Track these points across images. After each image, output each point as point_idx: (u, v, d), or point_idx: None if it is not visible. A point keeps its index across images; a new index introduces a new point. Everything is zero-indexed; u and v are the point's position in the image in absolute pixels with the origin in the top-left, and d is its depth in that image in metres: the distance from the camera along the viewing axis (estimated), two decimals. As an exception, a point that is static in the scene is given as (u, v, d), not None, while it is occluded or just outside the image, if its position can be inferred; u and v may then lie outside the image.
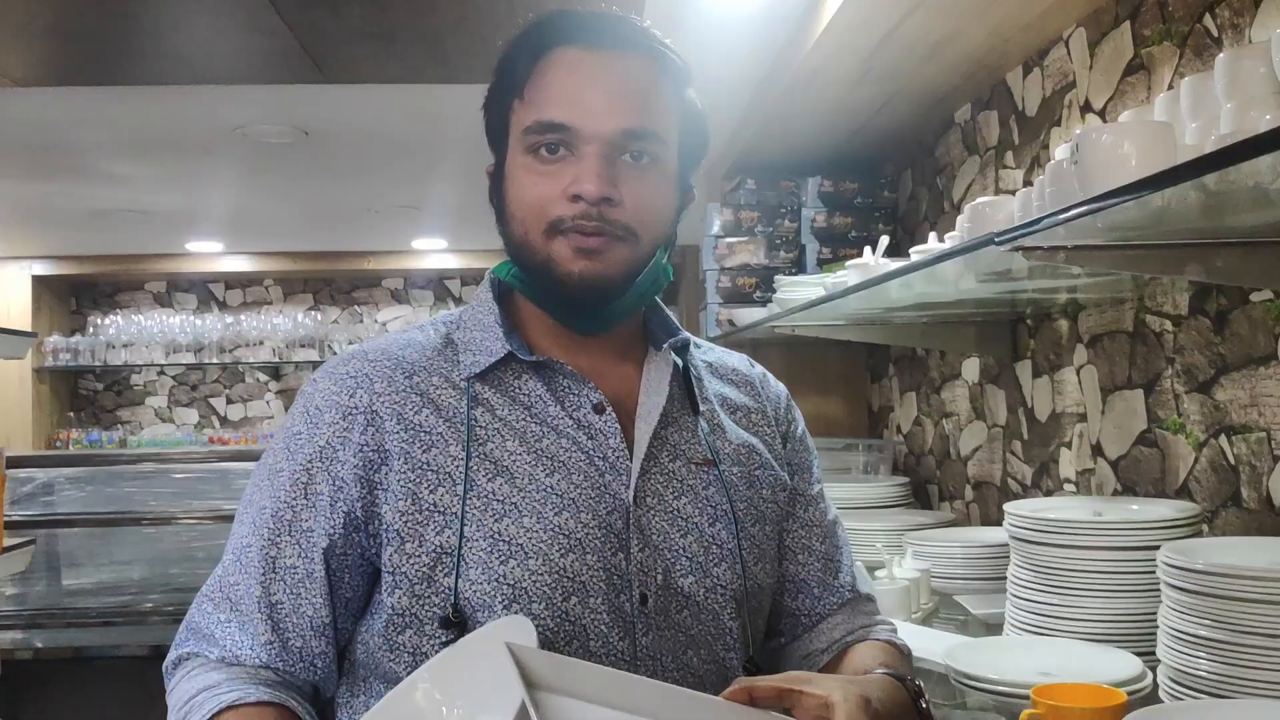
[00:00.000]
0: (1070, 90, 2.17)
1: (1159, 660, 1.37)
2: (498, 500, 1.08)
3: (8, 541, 2.68)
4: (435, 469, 1.09)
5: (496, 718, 0.93)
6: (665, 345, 1.19)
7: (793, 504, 1.27)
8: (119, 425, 6.39)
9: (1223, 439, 1.70)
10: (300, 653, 1.10)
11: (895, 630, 1.29)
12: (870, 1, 2.05)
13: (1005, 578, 1.73)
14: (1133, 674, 1.39)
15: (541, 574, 1.06)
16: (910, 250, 1.84)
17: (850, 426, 3.54)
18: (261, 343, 6.21)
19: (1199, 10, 1.71)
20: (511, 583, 1.06)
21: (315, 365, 6.38)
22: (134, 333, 6.18)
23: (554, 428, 1.12)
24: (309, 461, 1.10)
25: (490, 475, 1.09)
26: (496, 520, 1.08)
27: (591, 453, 1.12)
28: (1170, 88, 1.77)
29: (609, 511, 1.10)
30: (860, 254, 2.27)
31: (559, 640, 1.06)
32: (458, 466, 1.09)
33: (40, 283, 6.07)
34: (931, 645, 1.63)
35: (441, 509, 1.08)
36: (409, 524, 1.07)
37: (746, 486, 1.20)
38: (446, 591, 1.06)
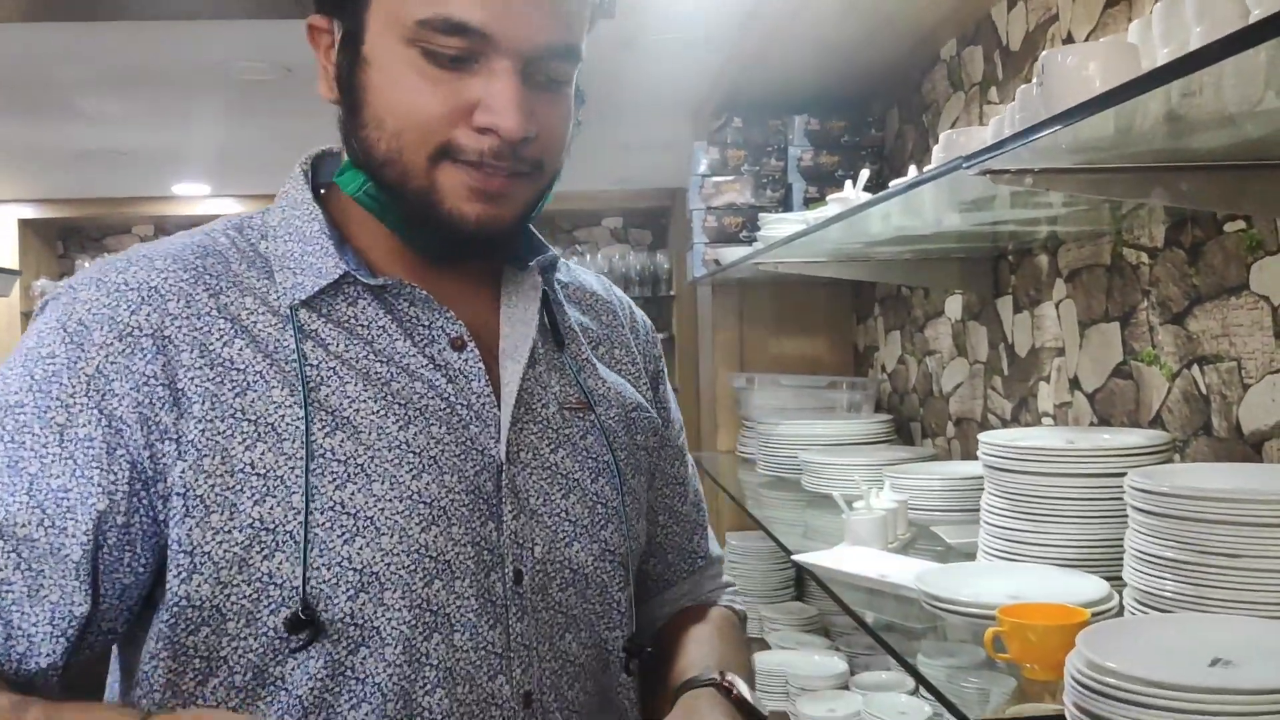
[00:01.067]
0: (1053, 24, 2.16)
1: (1125, 584, 1.40)
2: (338, 461, 0.87)
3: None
4: (253, 418, 0.86)
5: None
6: (531, 264, 1.01)
7: (660, 456, 1.13)
8: (109, 369, 6.41)
9: (1195, 369, 1.72)
10: (32, 657, 0.83)
11: (735, 590, 1.26)
12: (853, -68, 2.03)
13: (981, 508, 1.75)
14: (1100, 595, 1.42)
15: (398, 554, 0.87)
16: (890, 183, 1.85)
17: (836, 366, 3.56)
18: (251, 286, 6.21)
19: (1180, -61, 1.70)
20: (359, 567, 0.85)
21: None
22: (122, 276, 6.18)
23: (404, 368, 0.92)
24: (67, 394, 0.85)
25: (328, 429, 0.87)
26: (338, 487, 0.86)
27: (452, 399, 0.92)
28: (1150, 18, 1.76)
29: (477, 472, 0.92)
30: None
31: (418, 635, 0.87)
32: (284, 417, 0.86)
33: (26, 226, 6.04)
34: (905, 571, 1.66)
35: (262, 471, 0.85)
36: (216, 490, 0.84)
37: (625, 433, 1.05)
38: (264, 580, 0.84)
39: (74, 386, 0.85)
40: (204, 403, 0.86)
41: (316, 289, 0.91)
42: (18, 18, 2.75)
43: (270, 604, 0.85)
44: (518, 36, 0.87)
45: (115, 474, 0.84)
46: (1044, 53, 1.07)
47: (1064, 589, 1.45)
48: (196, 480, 0.84)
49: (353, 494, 0.86)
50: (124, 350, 0.86)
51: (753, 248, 2.72)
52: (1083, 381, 2.08)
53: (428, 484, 0.89)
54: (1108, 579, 1.50)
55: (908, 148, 3.09)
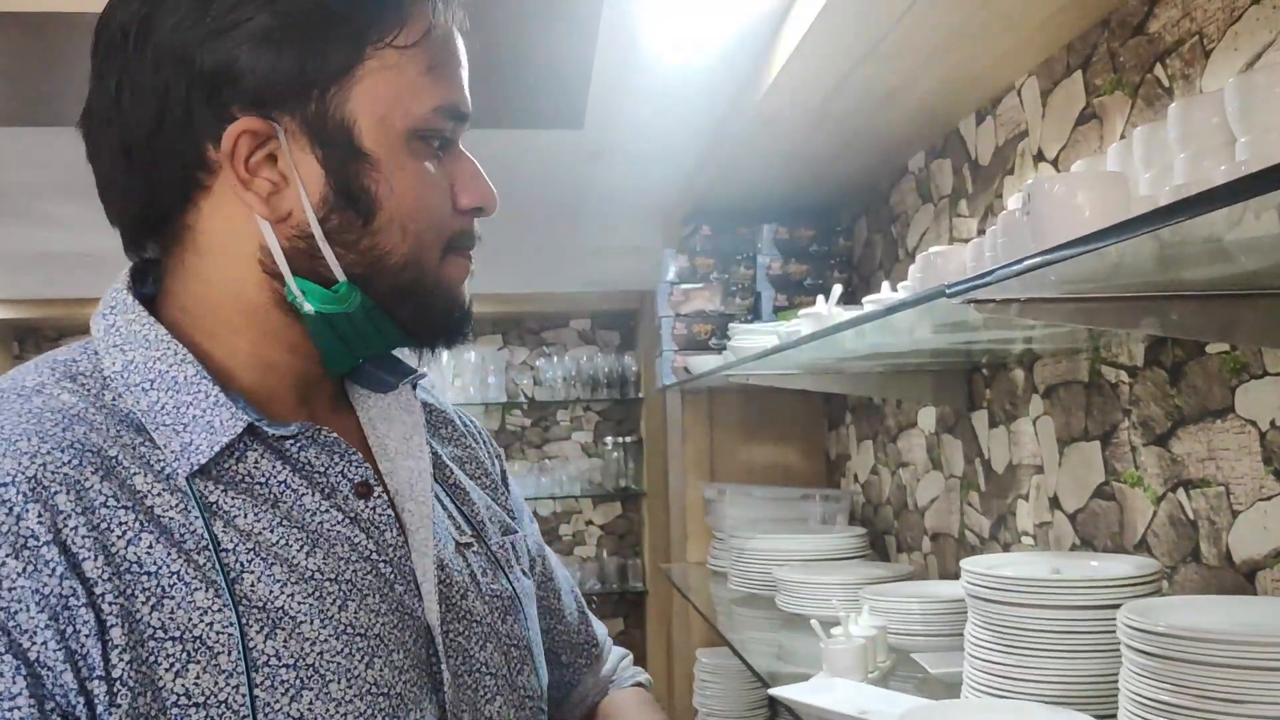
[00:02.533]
0: (1023, 139, 2.16)
1: (1120, 725, 1.33)
2: (285, 666, 0.72)
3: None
4: (176, 634, 0.69)
5: None
6: (404, 382, 0.90)
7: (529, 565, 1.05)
8: (63, 473, 6.25)
9: (1181, 493, 1.67)
10: None
11: (631, 662, 1.18)
12: (823, 49, 2.03)
13: (963, 634, 1.68)
14: (1094, 739, 1.35)
15: (350, 670, 0.75)
16: (864, 300, 1.81)
17: (808, 475, 3.50)
18: (212, 388, 6.10)
19: (1150, 60, 1.70)
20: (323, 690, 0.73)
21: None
22: (80, 378, 6.05)
23: (319, 531, 0.78)
24: None
25: (265, 629, 0.72)
26: (293, 698, 0.72)
27: (375, 558, 0.80)
28: (1122, 137, 1.75)
29: (415, 641, 0.81)
30: (815, 302, 2.23)
31: None
32: (212, 625, 0.71)
33: (-17, 327, 5.94)
34: (889, 708, 1.58)
35: (200, 699, 0.69)
36: (174, 672, 0.69)
37: (513, 559, 0.96)
38: None
39: None
40: (121, 625, 0.68)
41: (213, 453, 0.75)
42: (-21, 123, 2.71)
43: None
44: (466, 102, 0.85)
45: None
46: (1031, 180, 1.04)
47: (1056, 731, 1.38)
48: (157, 659, 0.68)
49: (310, 702, 0.73)
50: (24, 570, 0.66)
51: (723, 358, 2.68)
52: (1063, 501, 2.03)
53: (381, 670, 0.77)
54: (1098, 716, 1.43)
55: (876, 257, 3.08)
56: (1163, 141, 1.20)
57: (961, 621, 1.71)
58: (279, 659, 0.72)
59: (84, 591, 0.67)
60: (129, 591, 0.69)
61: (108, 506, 0.70)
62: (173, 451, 0.75)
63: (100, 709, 0.66)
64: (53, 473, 0.69)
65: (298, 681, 0.72)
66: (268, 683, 0.71)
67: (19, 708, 0.64)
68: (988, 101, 2.31)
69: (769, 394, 3.33)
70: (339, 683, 0.74)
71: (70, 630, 0.66)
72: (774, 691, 1.77)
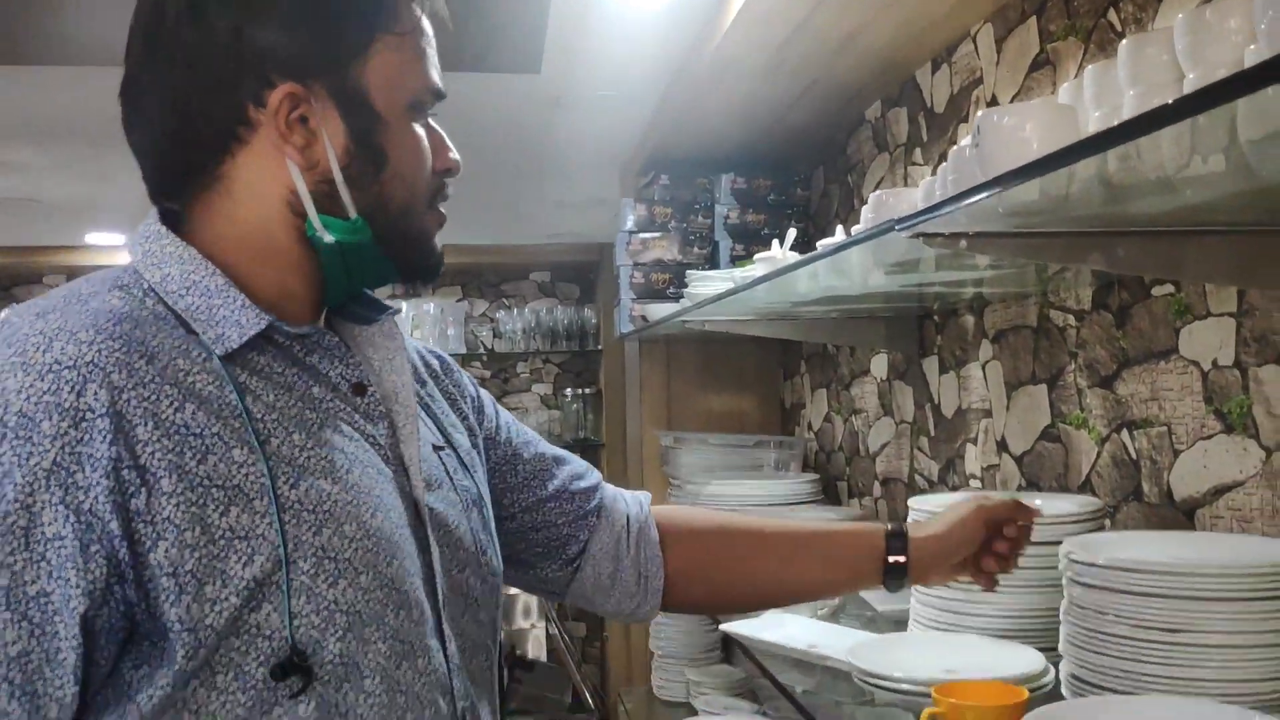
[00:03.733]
0: (977, 87, 2.17)
1: (1061, 656, 1.36)
2: (308, 510, 0.88)
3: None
4: (220, 483, 0.85)
5: None
6: (385, 316, 1.06)
7: (515, 465, 1.24)
8: (14, 424, 6.16)
9: (1124, 433, 1.71)
10: None
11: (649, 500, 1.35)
12: (780, -9, 2.03)
13: (911, 574, 1.71)
14: (1035, 670, 1.38)
15: (374, 590, 0.90)
16: (817, 243, 1.82)
17: (763, 423, 3.52)
18: (165, 339, 6.02)
19: (1103, 5, 1.71)
20: (345, 609, 0.88)
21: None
22: (30, 328, 5.95)
23: (327, 413, 0.95)
24: (25, 495, 0.80)
25: (290, 479, 0.88)
26: (315, 533, 0.88)
27: (373, 439, 0.97)
28: (1075, 82, 1.77)
29: (407, 508, 0.97)
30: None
31: (392, 665, 0.91)
32: (248, 475, 0.86)
33: (-71, 275, 5.82)
34: (836, 642, 1.61)
35: (242, 533, 0.85)
36: (204, 561, 0.83)
37: (477, 463, 1.13)
38: (253, 633, 0.85)
39: (31, 484, 0.80)
40: (171, 476, 0.83)
41: (241, 341, 0.91)
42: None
43: (259, 655, 0.85)
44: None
45: (93, 571, 0.81)
46: (980, 113, 1.05)
47: (999, 662, 1.41)
48: (182, 556, 0.83)
49: (329, 538, 0.89)
50: (80, 437, 0.81)
51: (680, 305, 2.69)
52: (1010, 444, 2.06)
53: (382, 522, 0.93)
54: (1043, 649, 1.47)
55: (833, 207, 3.09)
56: (1113, 80, 1.21)
57: (910, 560, 1.74)
58: (301, 504, 0.88)
59: (130, 456, 0.82)
60: (178, 449, 0.84)
61: (155, 383, 0.85)
62: (208, 339, 0.91)
63: (146, 545, 0.82)
64: (107, 357, 0.84)
65: (317, 522, 0.89)
66: (294, 521, 0.87)
67: (65, 547, 0.80)
68: (943, 49, 2.31)
69: (725, 343, 3.34)
70: (349, 525, 0.90)
71: (117, 486, 0.81)
72: (725, 627, 1.80)
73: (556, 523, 1.24)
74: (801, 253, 2.16)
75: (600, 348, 5.79)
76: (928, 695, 1.24)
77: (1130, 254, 1.12)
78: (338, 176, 0.96)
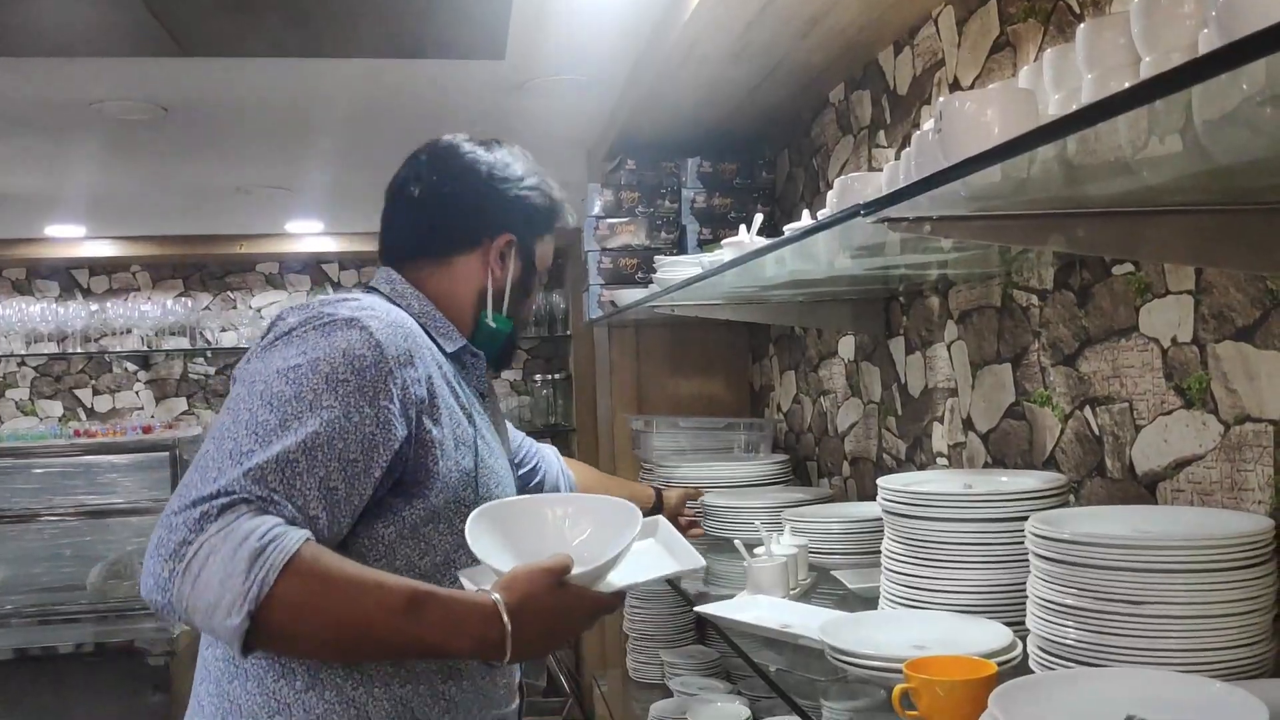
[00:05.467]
0: (940, 69, 2.19)
1: (1029, 630, 1.38)
2: (483, 441, 1.53)
3: None
4: (453, 413, 1.48)
5: (623, 535, 1.39)
6: (497, 374, 1.79)
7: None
8: (-23, 419, 6.09)
9: (1087, 410, 1.73)
10: (334, 528, 1.32)
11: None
12: (743, -25, 2.03)
13: (880, 552, 1.73)
14: (1004, 644, 1.40)
15: (504, 486, 1.57)
16: (784, 228, 1.83)
17: (733, 406, 3.55)
18: (129, 331, 5.95)
19: (1062, -13, 1.73)
20: (494, 490, 1.53)
21: (187, 354, 6.16)
22: (-9, 322, 5.88)
23: (472, 402, 1.57)
24: (376, 382, 1.35)
25: (477, 428, 1.52)
26: (486, 456, 1.52)
27: (490, 419, 1.64)
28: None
29: (506, 460, 1.64)
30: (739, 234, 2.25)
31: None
32: (466, 433, 1.49)
33: (-113, 270, 5.74)
34: (808, 620, 1.63)
35: (465, 441, 1.48)
36: (448, 447, 1.44)
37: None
38: (461, 501, 1.45)
39: (380, 376, 1.36)
40: (440, 399, 1.45)
41: (455, 349, 1.57)
42: None
43: (465, 515, 1.41)
44: None
45: (403, 430, 1.38)
46: (941, 99, 1.06)
47: (968, 638, 1.43)
48: (442, 439, 1.44)
49: (492, 465, 1.54)
50: (404, 364, 1.40)
51: (648, 290, 2.69)
52: (976, 422, 2.09)
53: (502, 463, 1.60)
54: (1011, 624, 1.49)
55: (799, 190, 3.11)
56: (1071, 63, 1.22)
57: (878, 540, 1.76)
58: (482, 441, 1.52)
59: (427, 380, 1.44)
60: (442, 386, 1.47)
61: (426, 353, 1.46)
62: (441, 344, 1.54)
63: (428, 426, 1.42)
64: (414, 334, 1.45)
65: (487, 451, 1.53)
66: (483, 465, 1.51)
67: (392, 411, 1.36)
68: (906, 31, 2.33)
69: (694, 328, 3.36)
70: (494, 459, 1.56)
71: (418, 393, 1.41)
72: (700, 609, 1.82)
73: (527, 483, 1.99)
74: (768, 237, 2.18)
75: (569, 333, 5.79)
76: (899, 671, 1.26)
77: (1090, 235, 1.14)
78: (506, 294, 1.64)
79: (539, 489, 2.01)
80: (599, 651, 4.48)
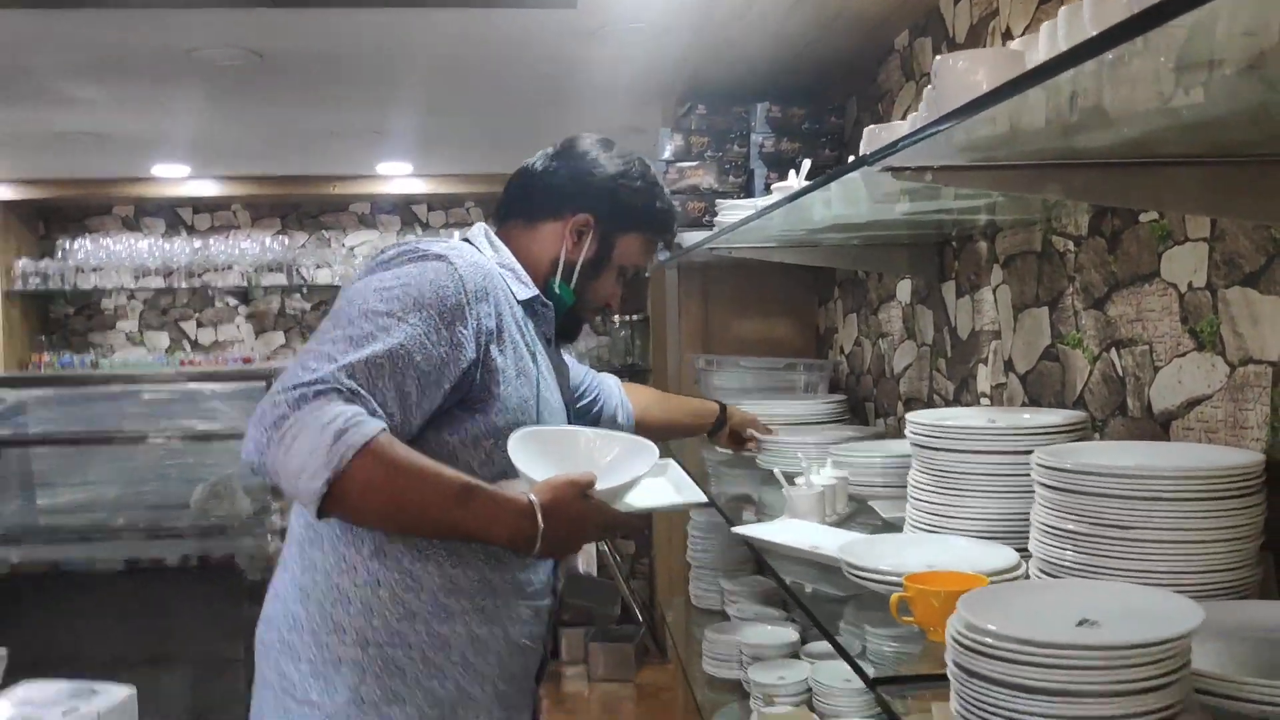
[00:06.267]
0: (994, 18, 2.24)
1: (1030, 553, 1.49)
2: (543, 379, 1.75)
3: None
4: (518, 348, 1.70)
5: (638, 465, 1.67)
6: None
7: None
8: (91, 349, 6.44)
9: (1113, 352, 1.81)
10: (405, 427, 1.55)
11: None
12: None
13: (911, 483, 1.83)
14: (1009, 564, 1.51)
15: (559, 418, 1.80)
16: (829, 172, 1.92)
17: (799, 347, 3.64)
18: (230, 267, 6.23)
19: (1101, -59, 1.77)
20: (549, 421, 1.75)
21: (284, 290, 6.43)
22: (103, 257, 6.19)
23: (541, 347, 1.80)
24: (454, 309, 1.59)
25: (538, 366, 1.74)
26: (545, 391, 1.75)
27: (554, 362, 1.86)
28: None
29: (563, 399, 1.85)
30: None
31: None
32: (528, 368, 1.71)
33: (7, 207, 6.07)
34: (835, 543, 1.75)
35: (526, 373, 1.70)
36: (510, 375, 1.67)
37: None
38: (518, 425, 1.66)
39: (458, 304, 1.59)
40: (507, 334, 1.68)
41: (528, 296, 1.77)
42: (-6, 5, 2.81)
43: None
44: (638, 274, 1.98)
45: (469, 354, 1.60)
46: (937, 58, 1.15)
47: (977, 559, 1.54)
48: (506, 368, 1.67)
49: (548, 398, 1.76)
50: (480, 298, 1.63)
51: (708, 233, 2.80)
52: (1016, 364, 2.17)
53: (558, 401, 1.82)
54: (1022, 550, 1.59)
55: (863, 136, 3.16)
56: (1080, 22, 1.30)
57: (915, 473, 1.86)
58: (539, 374, 1.74)
59: (498, 315, 1.67)
60: (510, 324, 1.70)
61: (499, 293, 1.69)
62: (515, 291, 1.75)
63: (494, 353, 1.65)
64: (492, 274, 1.70)
65: (546, 387, 1.76)
66: (545, 398, 1.74)
67: (465, 334, 1.60)
68: (963, -20, 2.38)
69: (761, 271, 3.45)
70: (552, 394, 1.78)
71: (489, 324, 1.64)
72: (737, 529, 1.95)
73: (587, 413, 2.19)
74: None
75: (648, 274, 5.90)
76: (902, 585, 1.37)
77: (1086, 183, 1.23)
78: (576, 268, 1.84)
79: (597, 419, 2.19)
80: (668, 582, 4.66)
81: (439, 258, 1.63)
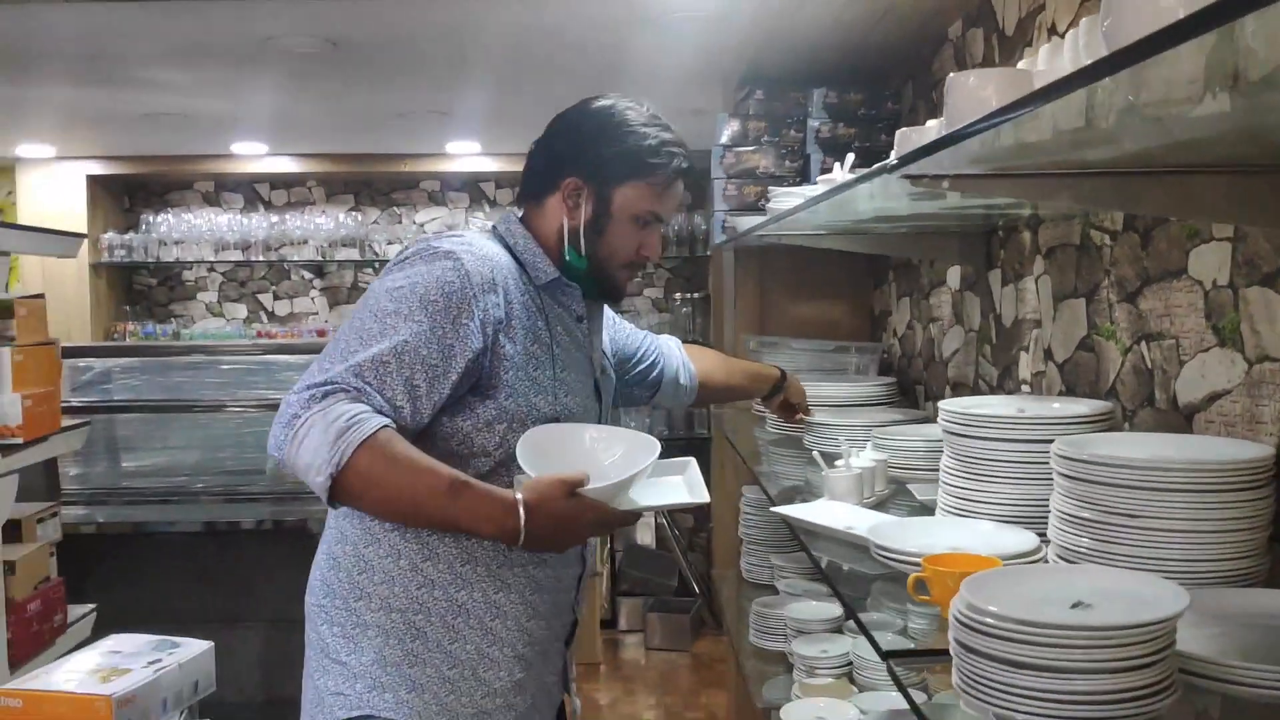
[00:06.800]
0: (1041, 12, 2.28)
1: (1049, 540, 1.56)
2: (560, 363, 1.81)
3: (69, 424, 2.95)
4: (534, 337, 1.78)
5: (636, 464, 1.69)
6: (603, 300, 1.98)
7: (623, 360, 2.24)
8: (173, 319, 6.69)
9: (1143, 345, 1.86)
10: (416, 417, 1.66)
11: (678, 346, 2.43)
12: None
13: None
14: (1028, 548, 1.58)
15: (578, 400, 1.85)
16: (857, 176, 1.99)
17: (853, 330, 3.71)
18: (306, 242, 6.43)
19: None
20: (570, 405, 1.82)
21: (357, 265, 6.62)
22: (184, 230, 6.42)
23: (567, 327, 1.87)
24: (460, 303, 1.67)
25: (558, 348, 1.81)
26: (563, 370, 1.82)
27: (583, 344, 1.91)
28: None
29: (591, 380, 1.92)
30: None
31: (584, 419, 1.88)
32: (544, 340, 1.79)
33: (95, 181, 6.32)
34: (864, 522, 1.83)
35: (539, 358, 1.77)
36: (521, 361, 1.74)
37: (613, 374, 2.10)
38: (532, 405, 1.75)
39: (464, 299, 1.68)
40: (518, 323, 1.76)
41: (546, 280, 1.84)
42: (84, -2, 2.97)
43: (535, 417, 1.75)
44: (670, 219, 1.93)
45: (476, 344, 1.69)
46: (950, 75, 1.23)
47: (999, 542, 1.61)
48: (514, 354, 1.74)
49: (565, 377, 1.82)
50: (487, 290, 1.71)
51: (759, 219, 2.88)
52: (1054, 353, 2.22)
53: (581, 378, 1.87)
54: (1043, 535, 1.66)
55: (920, 121, 3.20)
56: (1097, 32, 1.36)
57: (952, 457, 1.93)
58: (560, 360, 1.82)
59: (506, 306, 1.74)
60: (521, 315, 1.77)
61: (511, 283, 1.77)
62: (534, 276, 1.83)
63: (503, 342, 1.72)
64: (500, 265, 1.77)
65: (565, 367, 1.82)
66: (561, 377, 1.81)
67: (472, 327, 1.68)
68: (1012, -25, 2.42)
69: (817, 254, 3.51)
70: (572, 374, 1.84)
71: (497, 316, 1.72)
72: (776, 509, 2.04)
73: (646, 376, 2.26)
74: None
75: (709, 254, 5.98)
76: (921, 566, 1.46)
77: (1095, 191, 1.29)
78: (579, 231, 1.84)
79: (659, 381, 2.28)
80: (723, 556, 4.76)
81: (447, 254, 1.71)
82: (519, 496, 1.61)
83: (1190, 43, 0.74)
